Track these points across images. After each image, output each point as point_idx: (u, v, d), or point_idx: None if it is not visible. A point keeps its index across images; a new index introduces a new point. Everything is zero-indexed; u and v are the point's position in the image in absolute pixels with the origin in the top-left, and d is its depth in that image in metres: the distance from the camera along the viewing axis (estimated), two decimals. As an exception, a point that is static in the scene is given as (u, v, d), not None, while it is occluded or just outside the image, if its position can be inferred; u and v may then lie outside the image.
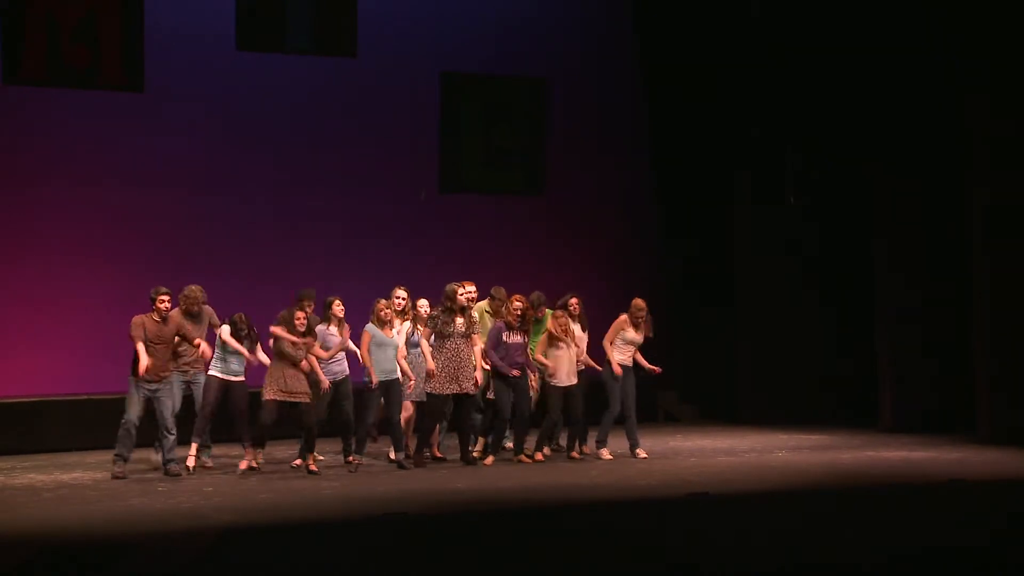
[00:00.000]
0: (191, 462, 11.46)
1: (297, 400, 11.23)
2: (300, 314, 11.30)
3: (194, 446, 11.56)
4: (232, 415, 11.65)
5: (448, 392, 11.60)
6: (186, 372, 11.60)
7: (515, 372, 11.73)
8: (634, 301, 12.31)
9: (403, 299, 12.02)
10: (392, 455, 11.85)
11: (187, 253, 14.16)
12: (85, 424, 13.22)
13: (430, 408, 11.71)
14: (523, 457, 11.94)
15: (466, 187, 15.80)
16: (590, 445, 12.41)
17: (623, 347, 12.24)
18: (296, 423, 11.40)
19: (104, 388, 13.09)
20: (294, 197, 14.82)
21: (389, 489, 10.46)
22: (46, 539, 8.55)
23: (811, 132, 15.42)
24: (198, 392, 11.65)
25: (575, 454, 12.23)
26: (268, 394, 11.20)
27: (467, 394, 11.70)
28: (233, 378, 11.59)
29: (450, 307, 11.62)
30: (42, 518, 9.33)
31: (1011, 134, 13.17)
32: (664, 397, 15.89)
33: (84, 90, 14.07)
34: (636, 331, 12.23)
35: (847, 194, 15.37)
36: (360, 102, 15.15)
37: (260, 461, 11.54)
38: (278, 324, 11.27)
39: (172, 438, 11.21)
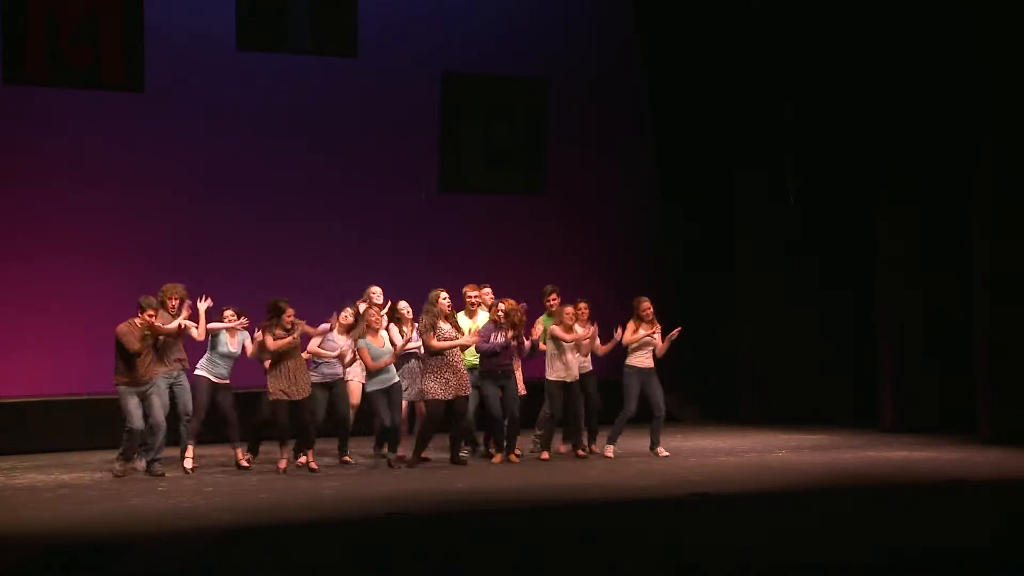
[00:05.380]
0: (188, 464, 11.48)
1: (299, 398, 11.36)
2: (289, 311, 11.44)
3: (190, 448, 11.57)
4: (221, 418, 11.69)
5: (445, 397, 11.63)
6: (168, 373, 11.55)
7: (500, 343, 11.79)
8: (639, 301, 12.34)
9: (379, 295, 12.14)
10: (384, 451, 11.93)
11: (187, 252, 14.16)
12: (85, 424, 13.24)
13: (429, 413, 11.74)
14: (513, 457, 12.02)
15: (466, 187, 15.79)
16: (598, 444, 12.43)
17: (640, 348, 12.26)
18: (294, 421, 11.50)
19: (104, 388, 13.00)
20: (294, 197, 14.81)
21: (389, 489, 10.47)
22: (46, 539, 8.55)
23: (813, 130, 15.42)
24: (180, 392, 11.58)
25: (581, 452, 12.27)
26: (274, 394, 11.38)
27: (461, 396, 11.73)
28: (220, 381, 11.63)
29: (433, 312, 11.64)
30: (42, 518, 9.34)
31: (1014, 133, 13.17)
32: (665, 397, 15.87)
33: (84, 90, 14.06)
34: (648, 329, 12.25)
35: (848, 194, 15.37)
36: (360, 102, 15.14)
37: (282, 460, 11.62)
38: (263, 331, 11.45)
39: (162, 436, 11.22)
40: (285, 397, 11.40)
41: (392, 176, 15.28)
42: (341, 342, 11.75)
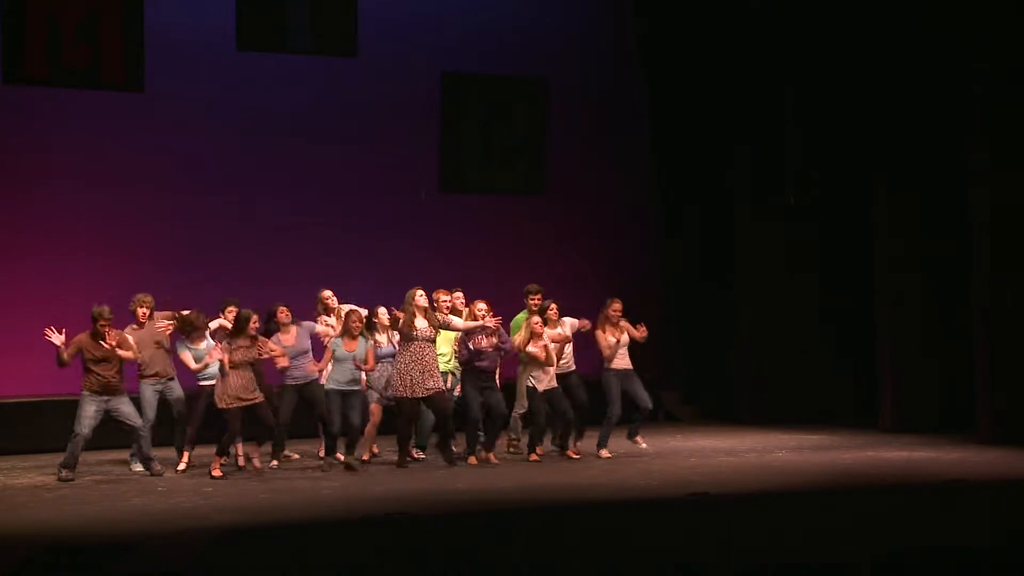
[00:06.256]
0: (182, 467, 11.46)
1: (250, 402, 11.21)
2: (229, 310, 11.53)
3: (186, 454, 11.55)
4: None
5: (415, 395, 11.58)
6: (156, 381, 11.55)
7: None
8: (609, 302, 12.31)
9: (332, 299, 12.21)
10: (340, 456, 11.72)
11: (186, 253, 14.18)
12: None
13: (403, 412, 11.68)
14: (491, 457, 11.99)
15: (466, 187, 15.80)
16: (586, 444, 12.41)
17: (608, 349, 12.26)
18: (259, 425, 11.39)
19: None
20: (294, 197, 14.82)
21: (389, 489, 10.47)
22: (46, 539, 8.56)
23: (812, 130, 15.42)
24: (169, 395, 11.59)
25: (572, 453, 12.22)
26: (222, 404, 11.16)
27: (438, 396, 11.64)
28: (212, 381, 11.55)
29: (410, 310, 11.60)
30: (42, 518, 9.35)
31: (1014, 132, 13.17)
32: (664, 397, 15.88)
33: (84, 90, 14.07)
34: (613, 332, 12.22)
35: (847, 194, 15.36)
36: (360, 102, 15.15)
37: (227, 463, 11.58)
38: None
39: (145, 437, 11.19)
40: (236, 405, 11.20)
41: (392, 176, 15.29)
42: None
